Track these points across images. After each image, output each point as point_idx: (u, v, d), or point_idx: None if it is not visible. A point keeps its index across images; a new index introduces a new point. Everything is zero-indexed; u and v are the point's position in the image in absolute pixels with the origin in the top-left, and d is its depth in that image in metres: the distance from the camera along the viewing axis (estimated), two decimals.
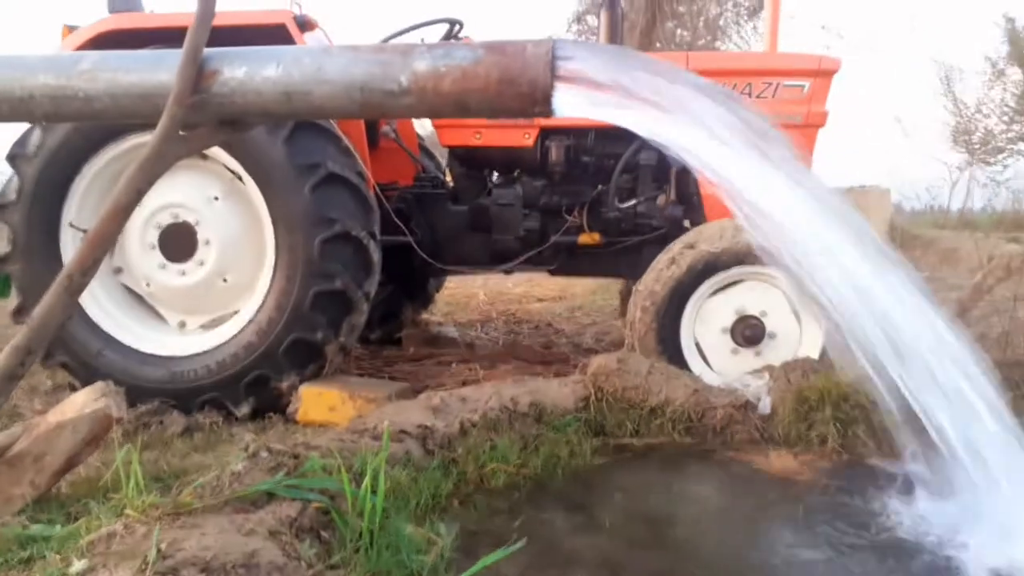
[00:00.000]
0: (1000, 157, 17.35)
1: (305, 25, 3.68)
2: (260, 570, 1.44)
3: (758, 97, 3.74)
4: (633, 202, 3.99)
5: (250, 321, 3.45)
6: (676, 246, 3.32)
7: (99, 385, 2.04)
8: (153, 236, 3.52)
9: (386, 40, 4.25)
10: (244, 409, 3.42)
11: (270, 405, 3.44)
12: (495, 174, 4.34)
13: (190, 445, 3.03)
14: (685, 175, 3.98)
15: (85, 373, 3.47)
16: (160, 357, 3.53)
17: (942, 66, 17.70)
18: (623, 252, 4.07)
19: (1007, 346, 3.29)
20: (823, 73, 3.74)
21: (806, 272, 1.81)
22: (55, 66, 2.05)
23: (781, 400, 2.81)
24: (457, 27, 4.29)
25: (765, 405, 2.82)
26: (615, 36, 4.30)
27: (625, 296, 5.10)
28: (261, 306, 3.44)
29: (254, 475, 1.85)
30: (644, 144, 3.78)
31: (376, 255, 3.57)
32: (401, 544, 1.76)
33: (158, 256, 3.54)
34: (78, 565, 1.45)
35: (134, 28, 3.57)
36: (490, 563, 1.66)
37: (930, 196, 18.53)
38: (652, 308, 3.23)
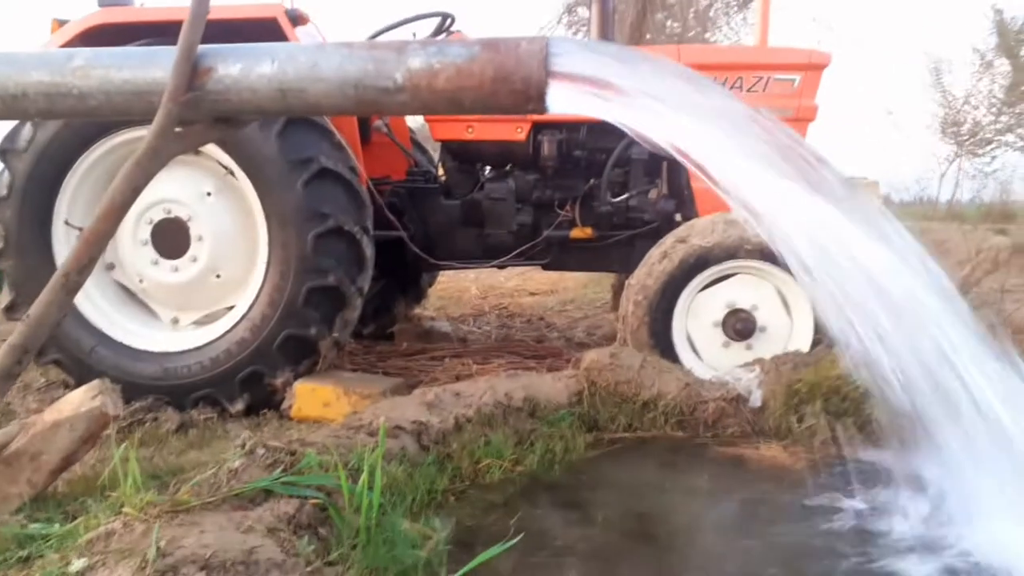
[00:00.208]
0: (988, 148, 17.53)
1: (297, 19, 3.67)
2: (259, 567, 1.45)
3: (749, 91, 3.76)
4: (625, 196, 4.00)
5: (243, 317, 3.45)
6: (668, 240, 3.34)
7: (95, 383, 2.04)
8: (146, 232, 3.52)
9: (377, 34, 4.25)
10: (238, 405, 3.43)
11: (264, 401, 3.45)
12: (487, 168, 4.35)
13: (185, 442, 3.04)
14: (676, 169, 4.00)
15: (78, 370, 3.47)
16: (153, 353, 3.53)
17: (931, 58, 17.83)
18: (615, 246, 4.09)
19: (995, 338, 3.32)
20: (813, 67, 3.76)
21: (808, 267, 1.81)
22: (48, 63, 2.05)
23: (772, 393, 2.83)
24: (449, 21, 4.29)
25: (756, 398, 2.85)
26: (606, 28, 4.31)
27: (617, 290, 5.12)
28: (254, 302, 3.44)
29: (251, 472, 1.86)
30: (635, 139, 3.79)
31: (369, 250, 3.57)
32: (397, 539, 1.78)
33: (151, 252, 3.54)
34: (78, 564, 1.46)
35: (124, 22, 3.56)
36: (485, 559, 1.67)
37: (919, 187, 18.69)
38: (644, 302, 3.26)
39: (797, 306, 3.24)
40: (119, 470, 1.78)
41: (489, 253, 4.21)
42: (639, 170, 4.01)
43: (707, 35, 16.26)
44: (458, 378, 3.65)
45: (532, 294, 7.41)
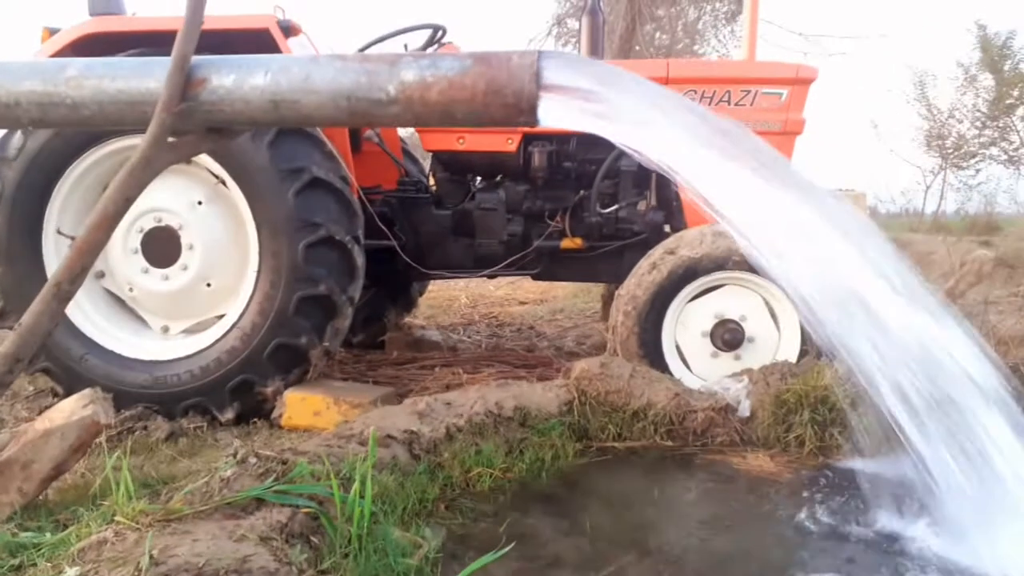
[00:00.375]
0: (972, 161, 17.71)
1: (289, 30, 3.68)
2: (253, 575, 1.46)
3: (737, 105, 3.80)
4: (615, 207, 4.03)
5: (234, 326, 3.45)
6: (657, 251, 3.37)
7: (87, 392, 2.05)
8: (136, 241, 3.52)
9: (369, 45, 4.27)
10: (228, 414, 3.42)
11: (254, 410, 3.45)
12: (478, 179, 4.37)
13: (175, 450, 3.03)
14: (665, 181, 4.03)
15: (68, 378, 3.46)
16: (143, 362, 3.52)
17: (916, 72, 18.02)
18: (605, 257, 4.12)
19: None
20: (801, 81, 3.81)
21: (790, 273, 1.84)
22: (41, 72, 2.05)
23: (760, 403, 2.86)
24: (440, 33, 4.32)
25: (744, 408, 2.88)
26: (596, 41, 4.35)
27: (607, 300, 5.14)
28: (245, 311, 3.44)
29: (243, 481, 1.86)
30: (624, 151, 3.82)
31: (360, 259, 3.58)
32: (389, 548, 1.79)
33: (141, 261, 3.53)
34: (70, 572, 1.46)
35: (115, 31, 3.56)
36: (478, 567, 1.68)
37: (905, 199, 18.86)
38: (634, 312, 3.28)
39: (784, 317, 3.27)
40: (111, 479, 1.78)
41: (480, 263, 4.23)
42: (628, 182, 4.04)
43: (696, 47, 16.39)
44: (448, 387, 3.66)
45: (522, 303, 7.43)
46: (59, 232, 3.53)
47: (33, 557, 1.62)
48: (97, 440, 2.16)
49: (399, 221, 4.23)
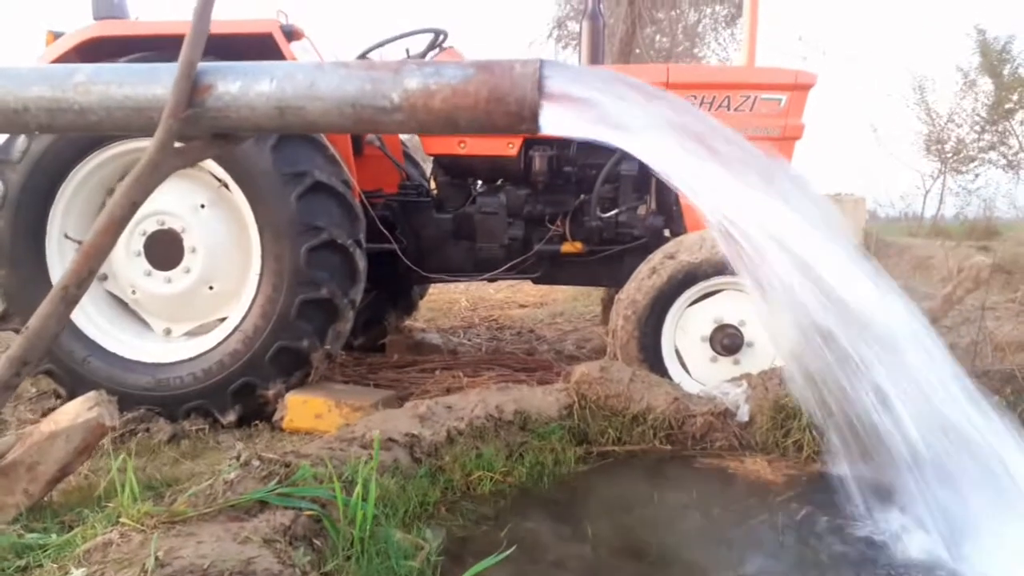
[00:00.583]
0: (971, 166, 17.72)
1: (292, 35, 3.71)
2: None
3: (736, 110, 3.82)
4: (615, 212, 4.05)
5: (236, 328, 3.47)
6: (657, 256, 3.39)
7: (92, 395, 2.07)
8: (139, 243, 3.54)
9: (370, 49, 4.29)
10: (230, 416, 3.44)
11: (256, 412, 3.47)
12: (479, 183, 4.39)
13: (177, 452, 3.05)
14: (665, 186, 4.04)
15: (70, 380, 3.48)
16: (146, 364, 3.54)
17: (915, 76, 18.05)
18: (605, 261, 4.14)
19: (976, 356, 3.40)
20: (800, 87, 3.83)
21: (779, 285, 1.87)
22: (49, 78, 2.07)
23: (759, 408, 2.88)
24: (442, 37, 4.35)
25: (743, 413, 2.89)
26: (597, 46, 4.38)
27: (607, 304, 5.17)
28: (247, 314, 3.46)
29: (247, 484, 1.88)
30: (625, 155, 3.85)
31: (362, 263, 3.61)
32: (391, 550, 1.81)
33: (144, 263, 3.56)
34: (76, 573, 1.48)
35: (119, 35, 3.58)
36: (479, 570, 1.70)
37: (904, 204, 18.87)
38: (634, 317, 3.30)
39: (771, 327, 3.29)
40: (116, 481, 1.80)
41: (480, 266, 4.25)
42: (628, 186, 4.07)
43: (696, 50, 16.43)
44: (449, 390, 3.68)
45: (521, 306, 7.44)
46: (67, 237, 3.56)
47: (39, 558, 1.64)
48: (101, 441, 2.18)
49: (400, 224, 4.25)
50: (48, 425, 2.02)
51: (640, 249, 3.88)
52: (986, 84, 17.43)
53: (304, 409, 3.35)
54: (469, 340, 5.57)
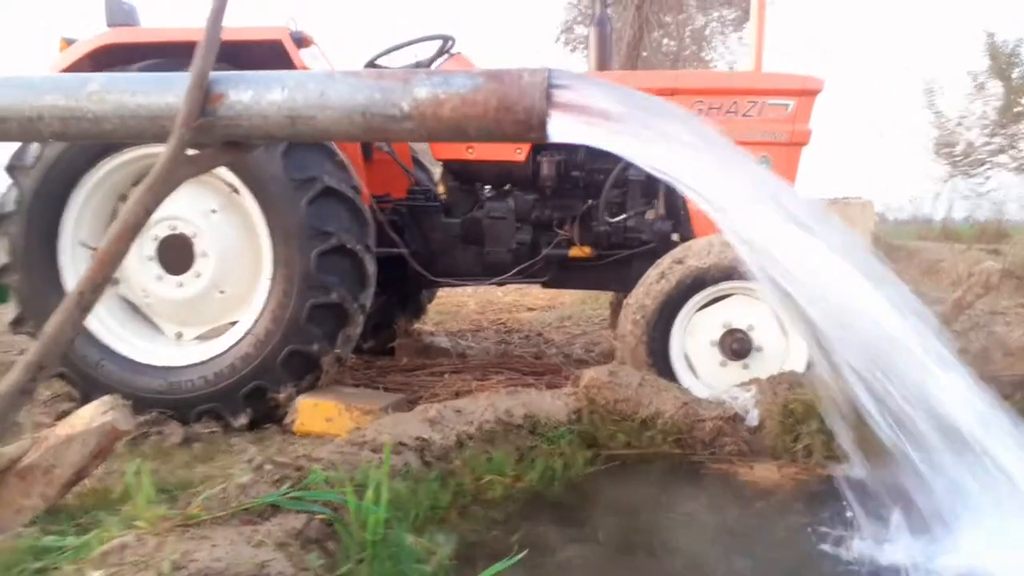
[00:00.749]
0: (981, 169, 17.67)
1: (301, 41, 3.74)
2: None
3: (743, 115, 3.83)
4: (623, 217, 4.07)
5: (247, 332, 3.50)
6: (665, 260, 3.40)
7: (107, 399, 2.10)
8: (151, 248, 3.57)
9: (379, 56, 4.32)
10: (241, 420, 3.47)
11: (267, 416, 3.50)
12: (487, 188, 4.41)
13: (190, 455, 3.07)
14: (673, 191, 4.04)
15: (84, 383, 3.52)
16: (158, 368, 3.58)
17: (925, 79, 18.02)
18: (613, 265, 4.15)
19: (986, 361, 3.39)
20: (807, 93, 3.84)
21: (791, 289, 1.88)
22: (64, 87, 2.10)
23: (768, 413, 2.88)
24: (450, 43, 4.37)
25: (753, 417, 2.90)
26: (605, 51, 4.40)
27: (616, 307, 5.17)
28: (258, 318, 3.49)
29: (259, 487, 1.90)
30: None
31: (371, 267, 3.63)
32: (402, 554, 1.83)
33: (156, 268, 3.59)
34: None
35: (132, 43, 3.62)
36: (491, 575, 1.71)
37: (914, 207, 18.82)
38: (642, 321, 3.31)
39: (793, 326, 3.29)
40: (131, 484, 1.82)
41: (489, 271, 4.27)
42: (636, 191, 4.08)
43: (703, 54, 16.44)
44: (458, 394, 3.70)
45: (530, 309, 7.45)
46: (83, 244, 3.60)
47: (56, 560, 1.66)
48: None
49: (409, 229, 4.28)
50: (64, 429, 2.04)
51: (648, 254, 3.89)
52: (995, 87, 17.39)
53: (315, 412, 3.38)
54: (478, 344, 5.59)
